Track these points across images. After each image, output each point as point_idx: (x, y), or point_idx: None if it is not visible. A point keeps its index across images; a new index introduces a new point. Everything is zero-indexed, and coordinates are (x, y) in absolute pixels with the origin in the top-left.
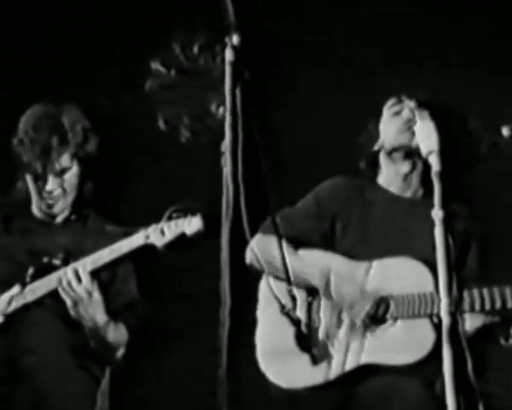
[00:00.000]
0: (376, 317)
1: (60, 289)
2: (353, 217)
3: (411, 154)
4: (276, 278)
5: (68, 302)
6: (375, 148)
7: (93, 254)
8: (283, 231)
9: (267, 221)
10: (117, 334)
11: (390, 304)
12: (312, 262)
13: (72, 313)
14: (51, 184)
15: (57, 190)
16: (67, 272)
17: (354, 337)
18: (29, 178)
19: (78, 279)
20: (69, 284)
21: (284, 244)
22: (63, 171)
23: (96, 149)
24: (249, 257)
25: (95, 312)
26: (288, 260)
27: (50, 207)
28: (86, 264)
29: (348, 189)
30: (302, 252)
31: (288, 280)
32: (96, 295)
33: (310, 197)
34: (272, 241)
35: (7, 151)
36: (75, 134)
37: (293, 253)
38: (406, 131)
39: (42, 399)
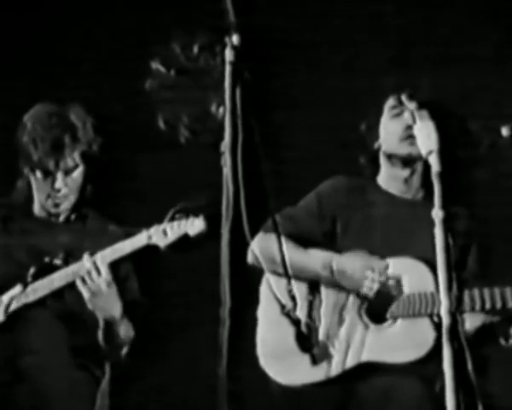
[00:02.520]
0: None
1: (78, 281)
2: (354, 217)
3: (410, 162)
4: (278, 275)
5: (86, 294)
6: (375, 146)
7: (98, 252)
8: (286, 230)
9: (269, 221)
10: (127, 330)
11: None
12: (315, 256)
13: (89, 305)
14: (60, 182)
15: (64, 188)
16: (87, 264)
17: (355, 336)
18: (39, 176)
19: (98, 271)
20: (89, 274)
21: (285, 241)
22: (72, 169)
23: (98, 148)
24: (251, 256)
25: (113, 304)
26: (291, 255)
27: (57, 205)
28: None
29: (349, 189)
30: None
31: (287, 276)
32: (114, 287)
33: (311, 197)
34: (274, 239)
35: (6, 152)
36: (86, 131)
37: (295, 246)
38: (405, 139)
39: (42, 399)
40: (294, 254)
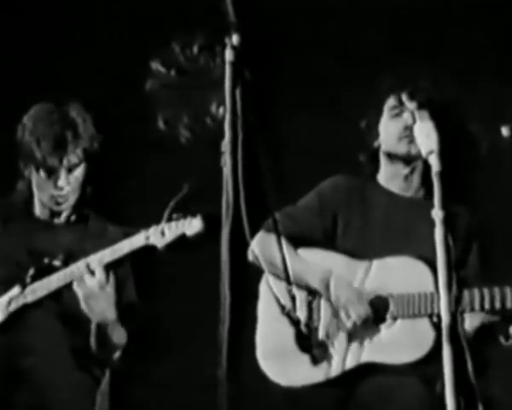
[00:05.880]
0: (375, 318)
1: (74, 283)
2: (354, 216)
3: (409, 160)
4: (277, 277)
5: (80, 296)
6: (375, 145)
7: (94, 254)
8: (286, 229)
9: (270, 220)
10: (119, 335)
11: (389, 304)
12: (313, 264)
13: (82, 307)
14: (63, 180)
15: (67, 186)
16: (81, 266)
17: (354, 337)
18: (42, 175)
19: (91, 273)
20: (82, 277)
21: (285, 245)
22: (76, 165)
23: (99, 146)
24: (251, 255)
25: (106, 306)
26: (290, 263)
27: (59, 204)
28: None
29: (349, 188)
30: (302, 251)
31: (287, 280)
32: (109, 289)
33: (312, 195)
34: (274, 239)
35: (6, 152)
36: (87, 127)
37: (294, 253)
38: (405, 138)
39: (41, 400)
40: (293, 264)
